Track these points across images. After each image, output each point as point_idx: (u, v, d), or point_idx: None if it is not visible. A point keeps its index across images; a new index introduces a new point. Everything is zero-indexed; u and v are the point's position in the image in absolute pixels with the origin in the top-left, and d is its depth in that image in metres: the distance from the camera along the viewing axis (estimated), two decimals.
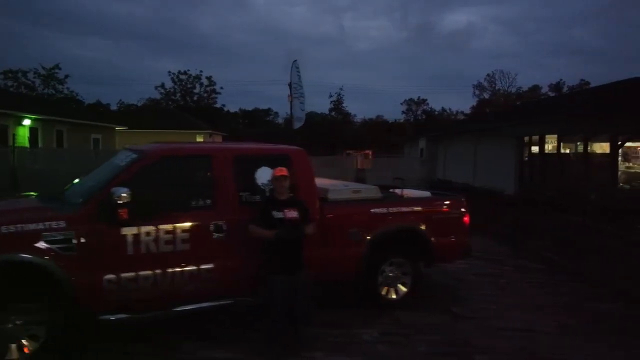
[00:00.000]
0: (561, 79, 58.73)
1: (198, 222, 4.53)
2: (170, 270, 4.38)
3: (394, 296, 5.69)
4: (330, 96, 56.80)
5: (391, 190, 6.70)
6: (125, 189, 4.01)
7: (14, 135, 18.41)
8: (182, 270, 4.43)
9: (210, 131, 44.23)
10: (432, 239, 5.77)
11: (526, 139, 18.14)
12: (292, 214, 4.45)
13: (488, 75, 60.71)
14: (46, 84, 43.45)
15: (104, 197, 4.12)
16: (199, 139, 43.05)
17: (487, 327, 5.19)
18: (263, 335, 4.56)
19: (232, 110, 65.52)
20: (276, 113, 68.45)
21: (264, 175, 4.87)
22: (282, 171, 4.49)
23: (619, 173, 16.43)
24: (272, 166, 4.84)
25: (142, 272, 4.26)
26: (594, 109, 16.99)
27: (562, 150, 16.73)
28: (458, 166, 24.19)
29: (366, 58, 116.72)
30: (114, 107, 56.02)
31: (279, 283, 4.34)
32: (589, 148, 16.59)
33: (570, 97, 28.00)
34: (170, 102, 57.55)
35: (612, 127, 15.26)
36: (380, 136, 52.68)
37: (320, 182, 5.93)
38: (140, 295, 4.28)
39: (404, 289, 5.72)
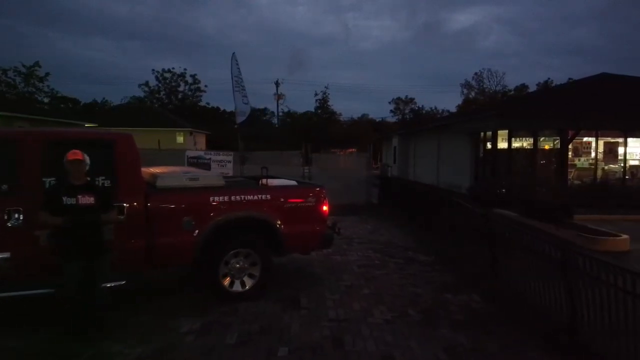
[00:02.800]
0: (549, 78, 58.47)
1: None
2: None
3: (239, 288, 5.53)
4: (316, 94, 56.68)
5: (261, 180, 6.59)
6: None
7: None
8: None
9: (190, 129, 44.04)
10: (282, 228, 5.63)
11: (482, 136, 18.03)
12: (88, 199, 4.30)
13: (476, 74, 60.52)
14: (27, 82, 43.29)
15: None
16: (179, 137, 42.96)
17: (314, 317, 5.01)
18: (62, 323, 4.42)
19: (228, 109, 65.37)
20: (272, 112, 68.29)
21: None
22: (76, 154, 4.33)
23: (570, 170, 16.33)
24: (93, 152, 4.73)
25: None
26: (543, 104, 16.98)
27: (516, 147, 16.63)
28: (425, 164, 24.07)
29: (361, 58, 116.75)
30: (99, 104, 55.87)
31: (72, 269, 4.22)
32: (541, 144, 16.53)
33: (531, 94, 27.92)
34: (154, 101, 57.39)
35: (560, 122, 15.24)
36: (366, 135, 52.52)
37: (161, 169, 5.80)
38: None
39: (250, 280, 5.59)
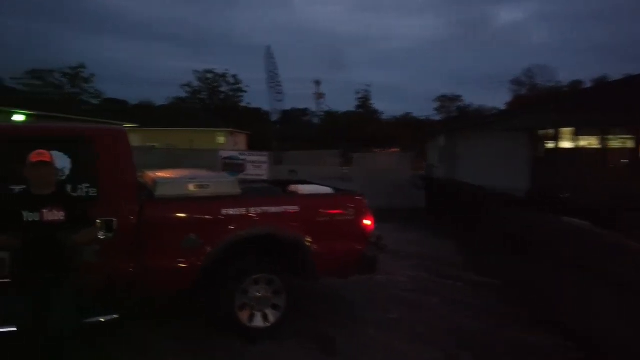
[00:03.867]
0: (605, 74, 54.65)
1: None
2: None
3: (261, 324, 4.39)
4: (357, 93, 55.36)
5: (290, 185, 5.46)
6: None
7: None
8: None
9: (231, 129, 43.76)
10: (313, 247, 4.47)
11: (541, 134, 16.31)
12: (55, 214, 3.28)
13: (527, 70, 57.36)
14: (73, 84, 44.21)
15: None
16: (220, 137, 42.72)
17: None
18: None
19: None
20: (313, 113, 67.35)
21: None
22: (42, 156, 3.30)
23: None
24: (66, 151, 3.76)
25: None
26: (612, 99, 15.06)
27: (581, 145, 14.84)
28: (474, 165, 22.36)
29: (403, 56, 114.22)
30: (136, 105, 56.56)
31: (25, 299, 3.21)
32: (611, 143, 14.64)
33: (594, 89, 25.58)
34: (197, 101, 57.69)
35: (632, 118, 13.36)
36: (408, 134, 50.69)
37: (165, 174, 4.75)
38: None
39: (274, 313, 4.45)
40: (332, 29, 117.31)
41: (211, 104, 57.59)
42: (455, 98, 65.16)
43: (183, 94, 58.58)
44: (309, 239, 4.47)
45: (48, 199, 3.29)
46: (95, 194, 3.85)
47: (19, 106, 19.42)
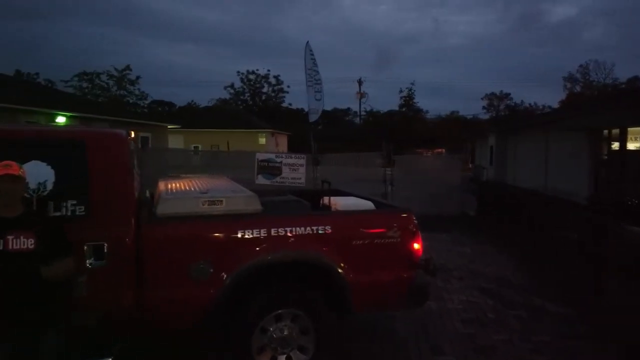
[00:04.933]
0: None
1: None
2: None
3: None
4: (401, 92, 53.89)
5: (322, 198, 4.65)
6: None
7: None
8: None
9: (272, 130, 43.53)
10: (348, 275, 3.65)
11: (605, 134, 14.76)
12: (22, 242, 2.60)
13: (581, 66, 54.08)
14: (119, 86, 45.21)
15: None
16: (261, 138, 42.59)
17: None
18: None
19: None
20: (355, 112, 66.25)
21: (34, 174, 3.07)
22: (10, 168, 2.65)
23: None
24: (49, 160, 3.12)
25: None
26: None
27: None
28: (528, 167, 20.82)
29: (449, 54, 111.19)
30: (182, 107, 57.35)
31: None
32: None
33: None
34: (239, 102, 57.95)
35: None
36: (455, 133, 48.78)
37: (173, 185, 4.05)
38: None
39: (301, 357, 3.65)
40: (376, 28, 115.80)
41: (253, 104, 57.71)
42: (504, 96, 62.50)
43: (227, 96, 59.06)
44: (344, 266, 3.66)
45: (15, 222, 2.64)
46: (84, 213, 3.17)
47: (66, 108, 19.57)
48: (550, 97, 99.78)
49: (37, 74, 44.63)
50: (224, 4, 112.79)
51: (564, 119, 17.60)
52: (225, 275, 3.38)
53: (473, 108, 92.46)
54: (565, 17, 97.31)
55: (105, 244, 3.14)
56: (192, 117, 42.76)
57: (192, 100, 59.57)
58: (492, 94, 62.62)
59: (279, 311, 3.58)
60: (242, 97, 59.48)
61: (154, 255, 3.28)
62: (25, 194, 2.79)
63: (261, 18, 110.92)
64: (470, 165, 35.79)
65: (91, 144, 3.27)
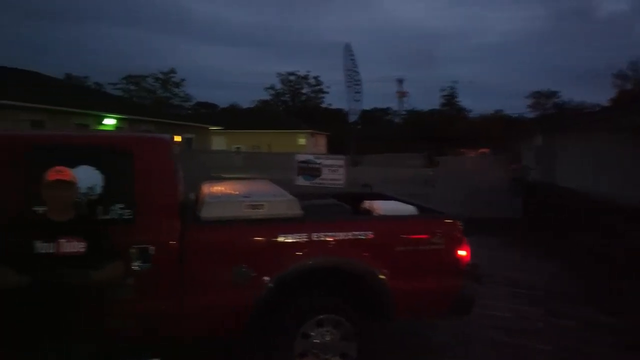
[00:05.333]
0: None
1: None
2: None
3: None
4: (442, 90, 52.94)
5: (363, 201, 4.59)
6: None
7: None
8: None
9: (311, 131, 43.70)
10: (391, 282, 3.59)
11: None
12: (73, 245, 2.69)
13: (632, 63, 51.36)
14: (164, 88, 46.59)
15: None
16: (301, 139, 42.81)
17: None
18: None
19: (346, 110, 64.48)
20: (395, 112, 65.46)
21: (84, 178, 3.17)
22: (61, 173, 2.74)
23: None
24: (97, 164, 3.22)
25: None
26: None
27: None
28: (577, 168, 19.96)
29: (492, 51, 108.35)
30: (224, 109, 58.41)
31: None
32: None
33: None
34: (279, 103, 58.52)
35: None
36: (499, 133, 47.41)
37: (216, 189, 4.09)
38: None
39: None
40: (417, 26, 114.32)
41: (293, 105, 58.12)
42: (552, 94, 60.26)
43: (267, 97, 59.76)
44: (386, 272, 3.60)
45: (66, 226, 2.73)
46: (131, 217, 3.25)
47: (114, 110, 20.33)
48: (599, 95, 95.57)
49: (86, 77, 46.69)
50: (267, 7, 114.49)
51: (615, 117, 16.79)
52: (267, 280, 3.39)
53: (518, 107, 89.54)
54: (615, 12, 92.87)
55: (151, 247, 3.21)
56: (234, 118, 43.49)
57: (234, 102, 60.64)
58: (538, 92, 60.53)
59: (321, 316, 3.56)
60: (282, 98, 60.03)
61: (198, 259, 3.32)
62: (76, 199, 2.87)
63: (302, 19, 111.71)
64: (516, 166, 34.72)
65: (137, 149, 3.35)
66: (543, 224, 10.95)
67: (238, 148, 37.36)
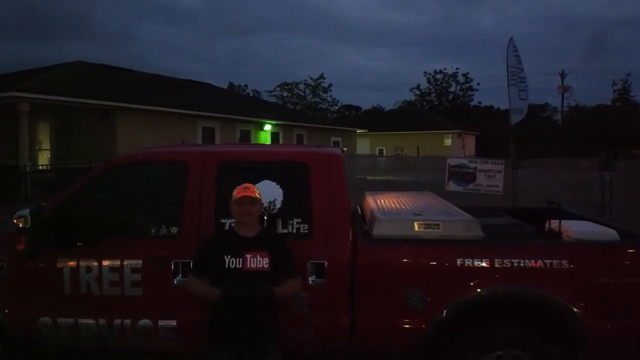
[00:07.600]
0: None
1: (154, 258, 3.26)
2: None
3: None
4: (614, 84, 46.62)
5: (548, 221, 4.06)
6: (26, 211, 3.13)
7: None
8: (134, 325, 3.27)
9: (458, 131, 41.91)
10: (586, 319, 3.09)
11: None
12: (258, 261, 2.78)
13: None
14: (314, 93, 48.86)
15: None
16: (447, 140, 41.28)
17: None
18: None
19: (503, 107, 60.49)
20: (554, 108, 59.22)
21: (265, 193, 3.28)
22: (249, 190, 2.85)
23: None
24: (276, 179, 3.32)
25: None
26: None
27: None
28: None
29: None
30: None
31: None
32: None
33: None
34: (425, 103, 57.31)
35: None
36: None
37: (383, 203, 3.93)
38: None
39: None
40: (583, 13, 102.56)
41: (439, 104, 56.44)
42: None
43: (412, 97, 58.99)
44: (581, 307, 3.10)
45: (252, 241, 2.83)
46: (307, 231, 3.28)
47: (270, 117, 21.92)
48: None
49: (245, 85, 51.09)
50: (417, 5, 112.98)
51: None
52: (441, 306, 3.15)
53: None
54: None
55: (326, 262, 3.20)
56: (377, 120, 43.74)
57: (377, 104, 60.99)
58: None
59: (501, 352, 3.21)
60: (427, 98, 58.70)
61: (369, 277, 3.22)
62: (261, 214, 2.98)
63: (454, 14, 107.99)
64: None
65: (313, 164, 3.38)
66: None
67: (381, 150, 37.43)
